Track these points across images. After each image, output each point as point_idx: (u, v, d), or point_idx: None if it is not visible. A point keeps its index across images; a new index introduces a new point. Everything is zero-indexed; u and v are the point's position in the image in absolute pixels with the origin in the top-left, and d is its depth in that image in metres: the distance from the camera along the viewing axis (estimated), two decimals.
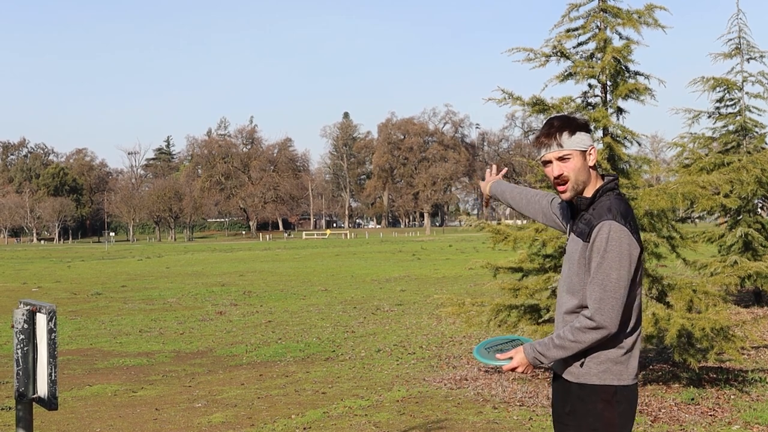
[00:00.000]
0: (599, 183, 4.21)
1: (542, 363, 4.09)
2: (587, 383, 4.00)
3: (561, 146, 4.15)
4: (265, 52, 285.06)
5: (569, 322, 4.09)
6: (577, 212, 4.24)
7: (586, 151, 4.17)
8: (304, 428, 9.04)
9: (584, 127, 4.23)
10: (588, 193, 4.19)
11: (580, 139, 4.17)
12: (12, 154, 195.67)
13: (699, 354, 10.09)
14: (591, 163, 4.19)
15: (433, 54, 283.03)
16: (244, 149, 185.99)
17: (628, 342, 4.03)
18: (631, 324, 4.05)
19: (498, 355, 4.28)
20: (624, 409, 4.02)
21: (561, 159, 4.16)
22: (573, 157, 4.15)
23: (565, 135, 4.15)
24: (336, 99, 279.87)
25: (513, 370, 4.16)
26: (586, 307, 3.99)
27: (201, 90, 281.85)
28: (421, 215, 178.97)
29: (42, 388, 4.13)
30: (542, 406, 9.75)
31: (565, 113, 3.72)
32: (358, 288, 29.41)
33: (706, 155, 19.02)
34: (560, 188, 4.21)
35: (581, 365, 4.02)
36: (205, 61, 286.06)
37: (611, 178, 4.22)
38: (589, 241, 4.02)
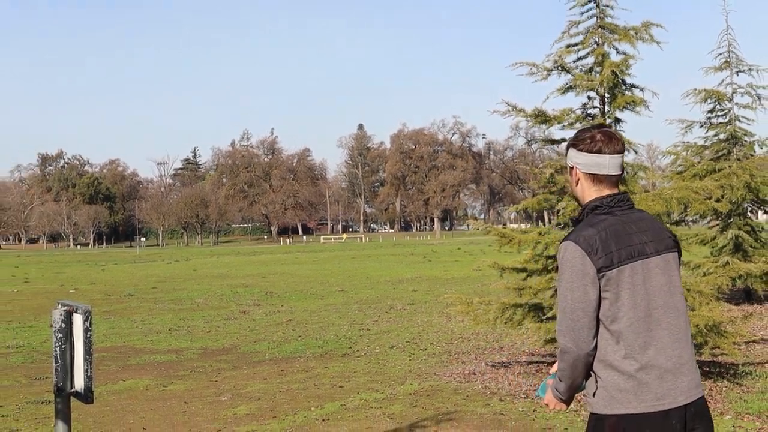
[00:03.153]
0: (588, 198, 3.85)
1: (561, 395, 3.80)
2: (597, 413, 3.58)
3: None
4: (284, 69, 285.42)
5: None
6: None
7: (572, 167, 3.89)
8: (323, 420, 9.03)
9: (571, 144, 3.90)
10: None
11: (568, 156, 3.93)
12: (50, 165, 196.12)
13: (695, 351, 10.04)
14: (573, 183, 3.91)
15: (441, 69, 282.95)
16: (266, 159, 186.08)
17: (630, 366, 3.51)
18: (630, 347, 3.53)
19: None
20: None
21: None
22: (570, 172, 3.92)
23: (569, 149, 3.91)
24: (351, 112, 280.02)
25: (548, 407, 3.91)
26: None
27: (225, 104, 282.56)
28: (432, 220, 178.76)
29: (79, 383, 4.13)
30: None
31: (595, 125, 3.41)
32: (372, 288, 29.39)
33: (699, 162, 18.96)
34: None
35: (594, 395, 3.62)
36: (229, 77, 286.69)
37: (613, 197, 3.79)
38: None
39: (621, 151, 3.78)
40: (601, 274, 3.55)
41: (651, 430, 3.48)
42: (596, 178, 3.78)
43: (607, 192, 3.79)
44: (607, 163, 3.75)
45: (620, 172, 3.80)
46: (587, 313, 3.55)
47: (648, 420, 3.48)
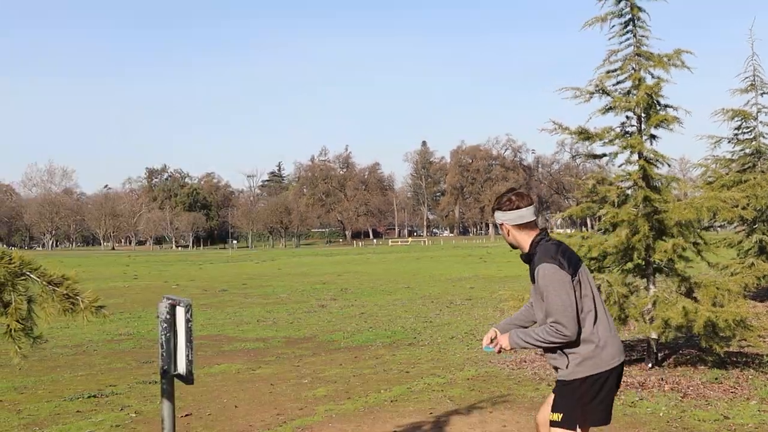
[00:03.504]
0: (531, 239, 4.66)
1: (519, 346, 4.64)
2: (574, 378, 4.47)
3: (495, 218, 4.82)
4: (355, 92, 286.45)
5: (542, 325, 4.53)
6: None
7: (502, 224, 4.74)
8: (392, 401, 9.03)
9: (496, 208, 4.77)
10: (525, 249, 4.70)
11: (496, 216, 4.78)
12: (156, 178, 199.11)
13: (723, 341, 9.88)
14: (506, 235, 4.77)
15: (496, 91, 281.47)
16: (341, 172, 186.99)
17: (596, 339, 4.46)
18: (593, 327, 4.48)
19: (485, 342, 4.90)
20: (597, 388, 4.46)
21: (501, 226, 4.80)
22: (501, 227, 4.77)
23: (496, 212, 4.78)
24: (415, 129, 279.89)
25: (498, 351, 4.77)
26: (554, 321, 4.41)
27: (305, 123, 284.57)
28: (487, 225, 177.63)
29: (181, 367, 4.19)
30: None
31: (508, 190, 4.51)
32: (434, 285, 29.32)
33: (727, 174, 18.61)
34: None
35: (566, 367, 4.49)
36: (309, 100, 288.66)
37: (540, 233, 4.67)
38: (535, 282, 4.53)
39: (532, 203, 4.68)
40: (574, 280, 4.45)
41: (605, 384, 4.47)
42: (522, 226, 4.67)
43: (533, 233, 4.68)
44: (525, 214, 4.65)
45: (536, 217, 4.69)
46: (574, 308, 4.40)
47: (603, 377, 4.45)
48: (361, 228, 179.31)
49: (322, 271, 44.10)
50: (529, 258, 4.65)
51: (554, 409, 4.58)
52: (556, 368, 4.61)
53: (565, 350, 4.49)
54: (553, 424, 4.57)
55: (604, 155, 11.05)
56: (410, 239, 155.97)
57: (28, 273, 4.29)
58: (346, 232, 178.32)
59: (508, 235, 4.75)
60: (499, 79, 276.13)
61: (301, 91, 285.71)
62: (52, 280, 4.31)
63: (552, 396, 4.68)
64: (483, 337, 5.24)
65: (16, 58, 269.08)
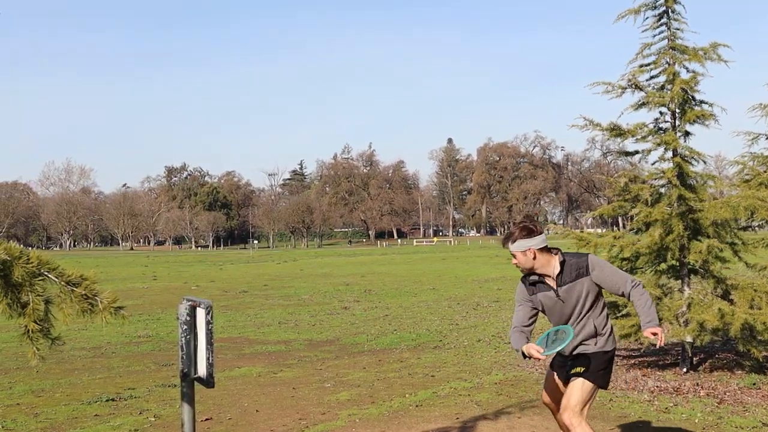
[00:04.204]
0: (556, 257, 5.70)
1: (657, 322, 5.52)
2: (610, 349, 5.73)
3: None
4: (379, 89, 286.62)
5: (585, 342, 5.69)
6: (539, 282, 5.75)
7: (527, 250, 5.68)
8: (417, 405, 9.03)
9: (520, 237, 5.73)
10: (550, 268, 5.69)
11: (519, 245, 5.71)
12: (175, 177, 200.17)
13: (761, 345, 9.80)
14: (531, 259, 5.71)
15: (523, 86, 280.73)
16: (364, 170, 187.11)
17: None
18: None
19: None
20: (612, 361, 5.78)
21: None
22: (525, 253, 5.70)
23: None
24: (441, 126, 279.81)
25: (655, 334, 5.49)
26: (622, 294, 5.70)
27: (328, 121, 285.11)
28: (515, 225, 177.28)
29: (201, 370, 4.21)
30: (621, 389, 9.56)
31: (521, 222, 5.86)
32: (461, 287, 29.28)
33: (765, 172, 18.42)
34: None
35: (596, 344, 5.68)
36: (332, 97, 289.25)
37: (556, 250, 5.76)
38: (589, 274, 5.62)
39: (542, 231, 5.70)
40: None
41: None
42: (544, 249, 5.67)
43: (552, 252, 5.74)
44: (545, 237, 5.67)
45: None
46: None
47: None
48: (385, 228, 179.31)
49: (345, 271, 44.16)
50: (563, 266, 5.69)
51: (589, 377, 5.61)
52: (588, 343, 5.69)
53: (604, 327, 5.73)
54: (586, 378, 5.61)
55: (637, 152, 11.00)
56: (436, 239, 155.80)
57: (46, 273, 4.33)
58: (370, 232, 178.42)
59: (534, 258, 5.65)
60: (527, 75, 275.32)
61: (324, 88, 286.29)
62: (71, 281, 4.34)
63: (574, 382, 5.67)
64: (528, 352, 5.54)
65: (35, 56, 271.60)
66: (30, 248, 4.83)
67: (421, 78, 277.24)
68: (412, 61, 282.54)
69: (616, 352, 12.38)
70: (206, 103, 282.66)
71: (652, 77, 10.77)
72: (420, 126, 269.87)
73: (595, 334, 5.70)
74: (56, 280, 4.34)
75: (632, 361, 11.54)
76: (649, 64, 10.74)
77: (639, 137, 10.75)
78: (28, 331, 4.31)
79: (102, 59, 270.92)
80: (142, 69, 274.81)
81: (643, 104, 10.64)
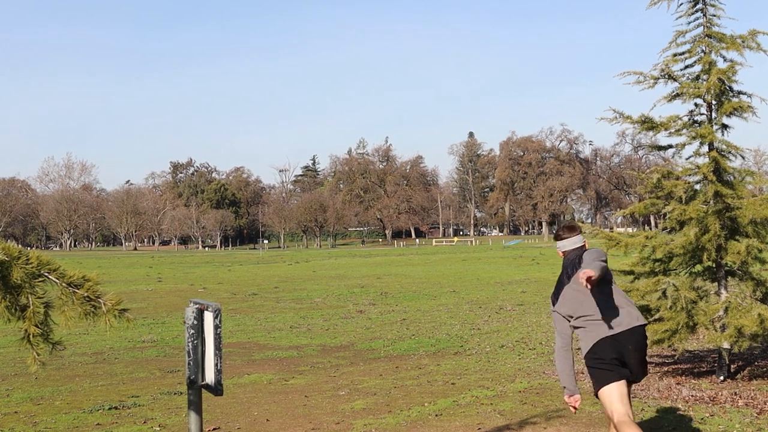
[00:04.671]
0: None
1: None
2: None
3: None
4: (396, 81, 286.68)
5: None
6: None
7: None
8: (436, 415, 9.02)
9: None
10: None
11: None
12: (181, 173, 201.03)
13: None
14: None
15: (549, 77, 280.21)
16: (381, 166, 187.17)
17: None
18: None
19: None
20: None
21: None
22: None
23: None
24: (461, 120, 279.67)
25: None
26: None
27: (342, 114, 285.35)
28: (540, 224, 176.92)
29: (209, 376, 4.22)
30: (653, 398, 9.52)
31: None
32: (483, 289, 29.24)
33: None
34: None
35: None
36: (345, 89, 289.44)
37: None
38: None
39: (568, 237, 6.57)
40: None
41: None
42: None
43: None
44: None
45: (577, 246, 6.56)
46: None
47: None
48: (402, 227, 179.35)
49: (360, 273, 44.18)
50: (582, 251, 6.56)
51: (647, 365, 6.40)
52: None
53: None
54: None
55: (670, 146, 10.95)
56: (456, 239, 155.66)
57: (46, 274, 4.35)
58: (386, 231, 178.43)
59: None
60: (553, 65, 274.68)
61: (338, 79, 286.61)
62: (72, 282, 4.35)
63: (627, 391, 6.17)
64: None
65: (34, 47, 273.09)
66: (29, 248, 4.86)
67: (441, 68, 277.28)
68: (431, 50, 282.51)
69: (648, 359, 12.33)
70: (213, 95, 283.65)
71: (686, 67, 10.72)
72: (439, 119, 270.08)
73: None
74: (57, 281, 4.36)
75: (665, 369, 11.50)
76: (683, 53, 10.69)
77: (672, 130, 10.70)
78: (28, 335, 4.33)
79: (104, 51, 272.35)
80: (146, 60, 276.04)
81: (677, 95, 10.60)
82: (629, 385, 6.21)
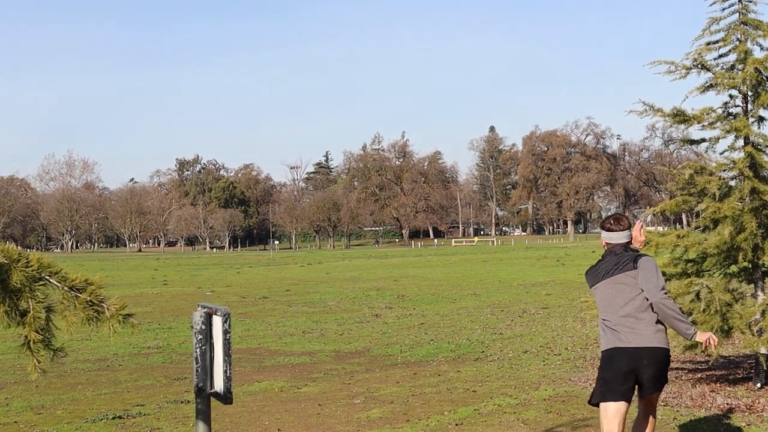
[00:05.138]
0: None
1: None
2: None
3: None
4: (414, 72, 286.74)
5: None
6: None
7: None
8: (456, 424, 9.02)
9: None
10: None
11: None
12: (187, 170, 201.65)
13: None
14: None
15: (574, 69, 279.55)
16: (397, 162, 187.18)
17: None
18: None
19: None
20: None
21: None
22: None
23: None
24: (482, 113, 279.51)
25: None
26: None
27: (356, 108, 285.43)
28: (565, 222, 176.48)
29: (218, 384, 4.22)
30: (686, 407, 9.49)
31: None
32: (505, 292, 29.21)
33: None
34: None
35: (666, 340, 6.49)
36: (359, 80, 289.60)
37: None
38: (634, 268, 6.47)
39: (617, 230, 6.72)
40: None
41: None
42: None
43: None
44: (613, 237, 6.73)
45: (623, 242, 6.72)
46: None
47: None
48: (420, 226, 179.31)
49: (376, 275, 44.21)
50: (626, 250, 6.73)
51: (663, 383, 6.52)
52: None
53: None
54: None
55: (704, 141, 10.91)
56: (476, 239, 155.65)
57: (47, 277, 4.36)
58: (403, 231, 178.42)
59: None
60: (578, 55, 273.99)
61: (352, 71, 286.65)
62: (75, 286, 4.37)
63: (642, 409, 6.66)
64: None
65: (34, 41, 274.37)
66: (28, 250, 4.87)
67: (460, 59, 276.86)
68: (449, 40, 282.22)
69: (680, 365, 12.31)
70: (221, 88, 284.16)
71: (720, 56, 10.67)
72: (459, 113, 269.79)
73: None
74: (58, 285, 4.37)
75: (699, 375, 11.46)
76: (717, 42, 10.63)
77: (706, 124, 10.65)
78: (28, 341, 4.34)
79: (107, 44, 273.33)
80: (151, 54, 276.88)
81: (711, 86, 10.54)
82: (647, 397, 6.58)
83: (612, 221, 6.75)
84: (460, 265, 53.07)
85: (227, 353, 4.17)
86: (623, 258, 6.55)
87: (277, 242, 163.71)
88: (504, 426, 8.89)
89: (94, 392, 11.84)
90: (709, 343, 6.38)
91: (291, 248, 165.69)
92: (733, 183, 10.60)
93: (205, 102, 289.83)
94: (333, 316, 22.33)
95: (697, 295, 10.00)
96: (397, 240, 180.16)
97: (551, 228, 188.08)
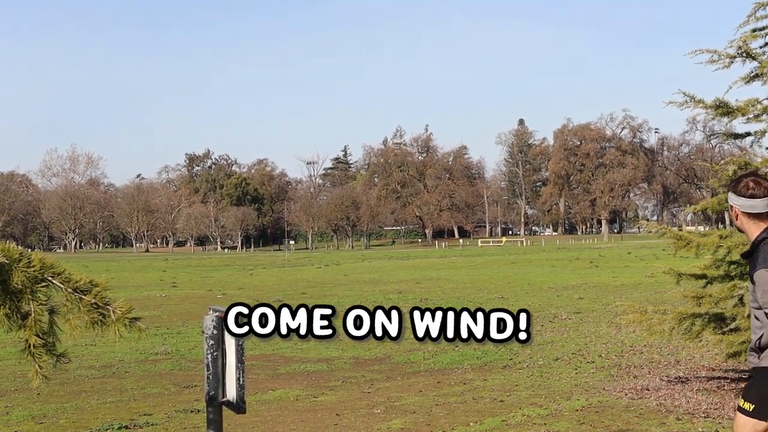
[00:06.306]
0: (759, 233, 5.38)
1: None
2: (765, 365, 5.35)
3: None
4: (438, 60, 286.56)
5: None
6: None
7: (732, 207, 5.53)
8: None
9: (732, 188, 5.56)
10: (750, 239, 5.46)
11: (729, 197, 5.58)
12: (197, 166, 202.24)
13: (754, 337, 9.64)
14: (734, 218, 5.59)
15: (609, 59, 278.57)
16: (420, 157, 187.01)
17: None
18: None
19: None
20: None
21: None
22: (731, 209, 5.60)
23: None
24: (511, 106, 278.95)
25: None
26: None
27: (376, 99, 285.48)
28: (599, 222, 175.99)
29: (231, 392, 4.22)
30: (728, 418, 9.43)
31: (750, 173, 5.86)
32: (534, 296, 29.15)
33: None
34: None
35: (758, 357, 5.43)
36: (380, 70, 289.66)
37: (762, 233, 5.35)
38: (754, 283, 5.33)
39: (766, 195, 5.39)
40: None
41: None
42: (752, 215, 5.40)
43: (763, 225, 5.38)
44: (757, 205, 5.38)
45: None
46: None
47: None
48: (444, 225, 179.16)
49: (397, 277, 44.21)
50: (749, 254, 5.42)
51: (746, 398, 5.38)
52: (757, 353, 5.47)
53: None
54: (741, 411, 5.36)
55: (748, 134, 10.86)
56: (504, 239, 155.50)
57: (49, 278, 4.38)
58: (426, 231, 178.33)
59: (737, 219, 5.54)
60: (613, 43, 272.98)
61: (372, 60, 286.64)
62: (79, 287, 4.38)
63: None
64: None
65: (36, 29, 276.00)
66: (30, 250, 4.90)
67: (487, 48, 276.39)
68: (475, 26, 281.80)
69: (722, 374, 12.25)
70: (233, 79, 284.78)
71: (766, 44, 10.61)
72: (486, 105, 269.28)
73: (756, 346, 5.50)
74: (62, 286, 4.38)
75: (743, 385, 11.39)
76: (763, 28, 10.57)
77: (751, 116, 10.60)
78: (29, 346, 4.36)
79: (112, 35, 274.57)
80: (159, 44, 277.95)
81: (756, 76, 10.49)
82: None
83: (752, 183, 5.43)
84: (486, 267, 53.01)
85: (240, 360, 4.17)
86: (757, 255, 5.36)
87: (292, 242, 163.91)
88: None
89: (99, 401, 11.89)
90: None
91: (307, 248, 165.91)
92: None
93: (217, 94, 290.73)
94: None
95: (741, 299, 9.96)
96: (419, 240, 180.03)
97: (584, 228, 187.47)
